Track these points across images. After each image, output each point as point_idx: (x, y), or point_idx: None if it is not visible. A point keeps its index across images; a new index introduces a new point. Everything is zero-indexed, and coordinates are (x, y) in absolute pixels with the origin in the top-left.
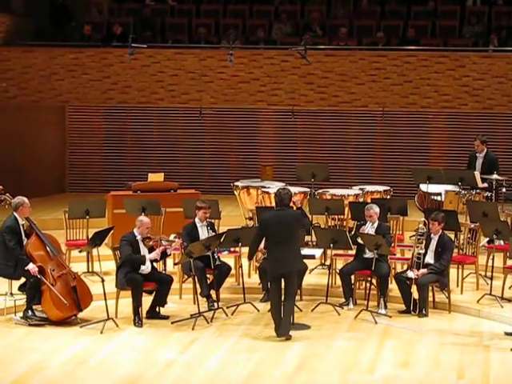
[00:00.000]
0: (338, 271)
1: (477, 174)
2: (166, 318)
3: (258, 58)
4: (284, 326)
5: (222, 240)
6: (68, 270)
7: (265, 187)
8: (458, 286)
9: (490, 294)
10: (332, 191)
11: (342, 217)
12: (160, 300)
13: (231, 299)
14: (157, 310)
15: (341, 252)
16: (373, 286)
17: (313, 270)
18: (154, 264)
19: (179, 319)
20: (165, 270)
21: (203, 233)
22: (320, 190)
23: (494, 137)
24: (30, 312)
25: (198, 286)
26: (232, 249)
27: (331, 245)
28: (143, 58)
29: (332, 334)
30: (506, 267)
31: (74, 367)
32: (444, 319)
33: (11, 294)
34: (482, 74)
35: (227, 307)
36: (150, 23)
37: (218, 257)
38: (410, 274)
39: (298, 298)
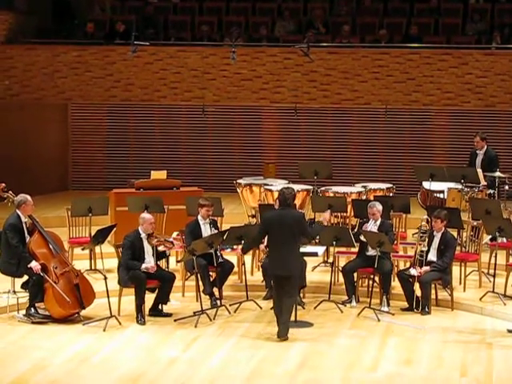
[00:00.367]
0: (340, 269)
1: (479, 171)
2: (168, 315)
3: (260, 56)
4: (282, 327)
5: (224, 238)
6: (71, 267)
7: (268, 185)
8: (460, 283)
9: (493, 292)
10: (335, 189)
11: (344, 214)
12: (163, 297)
13: (234, 297)
14: (159, 307)
15: (343, 249)
16: (375, 284)
17: (315, 267)
18: (158, 263)
19: (182, 317)
20: (167, 267)
21: (206, 230)
22: (323, 188)
23: (497, 134)
24: (32, 310)
25: (200, 283)
26: (235, 246)
27: (334, 242)
28: (146, 55)
29: (335, 331)
30: (508, 265)
31: (77, 365)
32: (447, 317)
33: (14, 292)
34: (484, 71)
35: (230, 305)
36: (152, 21)
37: (221, 254)
38: (413, 271)
39: (301, 295)
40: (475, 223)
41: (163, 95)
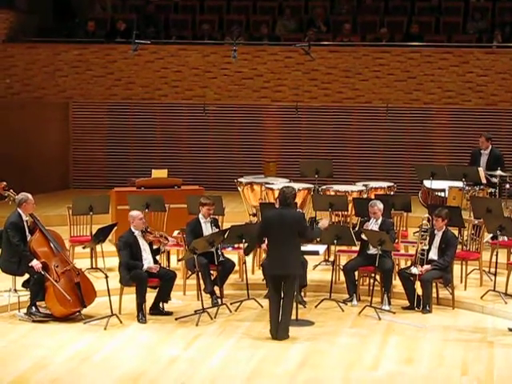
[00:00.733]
0: (341, 267)
1: (480, 170)
2: (169, 313)
3: (261, 54)
4: (283, 329)
5: (225, 236)
6: (72, 266)
7: (268, 183)
8: (461, 282)
9: (494, 290)
10: (336, 187)
11: (345, 213)
12: (163, 296)
13: (235, 295)
14: (160, 306)
15: (344, 248)
16: (376, 282)
17: (316, 266)
18: (158, 260)
19: (183, 315)
20: (168, 265)
21: (207, 229)
22: (324, 186)
23: (498, 133)
24: (33, 308)
25: (201, 282)
26: (236, 245)
27: (335, 241)
28: (147, 54)
29: (335, 330)
30: (509, 263)
31: (78, 363)
32: (448, 315)
33: (15, 291)
34: (485, 70)
35: (231, 303)
36: (153, 19)
37: (222, 253)
38: (414, 270)
39: (301, 294)
40: (476, 222)
41: (164, 94)
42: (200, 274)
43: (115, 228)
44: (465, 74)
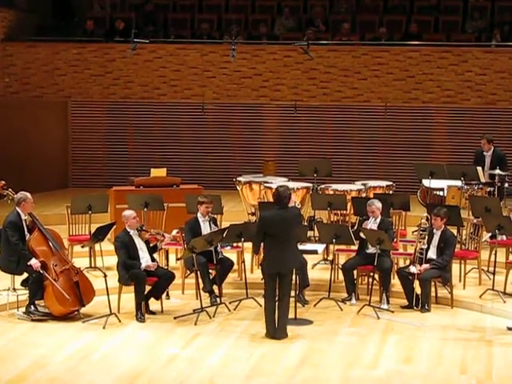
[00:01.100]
0: (340, 266)
1: (479, 169)
2: (153, 313)
3: (260, 54)
4: (281, 329)
5: (224, 235)
6: (70, 265)
7: (267, 182)
8: (460, 281)
9: (493, 289)
10: (334, 186)
11: (344, 212)
12: (156, 292)
13: (234, 294)
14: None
15: (343, 247)
16: (375, 281)
17: (315, 265)
18: (157, 259)
19: (182, 314)
20: (167, 264)
21: (205, 228)
22: (322, 185)
23: (497, 132)
24: (32, 307)
25: (200, 281)
26: (234, 244)
27: (334, 240)
28: (146, 53)
29: (334, 329)
30: (508, 262)
31: (77, 362)
32: (446, 314)
33: (14, 289)
34: (484, 69)
35: (230, 302)
36: (152, 18)
37: (221, 252)
38: (413, 269)
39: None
40: (475, 221)
41: (163, 93)
42: (199, 273)
43: (114, 227)
44: (464, 73)
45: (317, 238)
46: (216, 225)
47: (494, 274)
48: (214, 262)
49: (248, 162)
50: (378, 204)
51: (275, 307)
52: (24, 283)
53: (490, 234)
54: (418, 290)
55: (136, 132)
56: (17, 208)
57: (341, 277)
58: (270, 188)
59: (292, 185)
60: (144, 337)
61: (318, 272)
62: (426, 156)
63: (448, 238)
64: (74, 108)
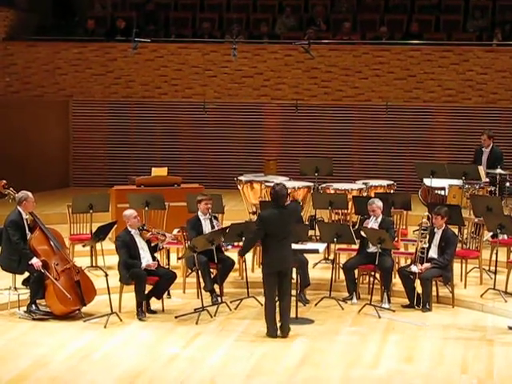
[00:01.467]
0: (341, 265)
1: (481, 168)
2: (154, 312)
3: (261, 53)
4: (285, 326)
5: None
6: (72, 264)
7: (268, 182)
8: (461, 280)
9: (494, 289)
10: (336, 185)
11: (345, 211)
12: (157, 291)
13: (235, 293)
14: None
15: (344, 246)
16: (376, 281)
17: (316, 264)
18: (158, 258)
19: (183, 313)
20: (168, 264)
21: (206, 226)
22: (324, 185)
23: (498, 131)
24: (33, 306)
25: (201, 280)
26: (236, 243)
27: (335, 239)
28: (147, 52)
29: (335, 328)
30: (509, 261)
31: (78, 361)
32: (447, 314)
33: (15, 289)
34: (485, 68)
35: (231, 301)
36: (153, 17)
37: (222, 251)
38: (414, 268)
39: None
40: (476, 220)
41: (164, 92)
42: (200, 272)
43: (115, 226)
44: (465, 72)
45: (318, 238)
46: (217, 219)
47: (495, 273)
48: (215, 261)
49: (249, 161)
50: (378, 203)
51: (275, 306)
52: (25, 282)
53: (491, 234)
54: (419, 289)
55: (137, 131)
56: (18, 207)
57: (342, 276)
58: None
59: (293, 184)
60: (145, 336)
61: (318, 271)
62: (427, 155)
63: (449, 237)
64: (75, 107)
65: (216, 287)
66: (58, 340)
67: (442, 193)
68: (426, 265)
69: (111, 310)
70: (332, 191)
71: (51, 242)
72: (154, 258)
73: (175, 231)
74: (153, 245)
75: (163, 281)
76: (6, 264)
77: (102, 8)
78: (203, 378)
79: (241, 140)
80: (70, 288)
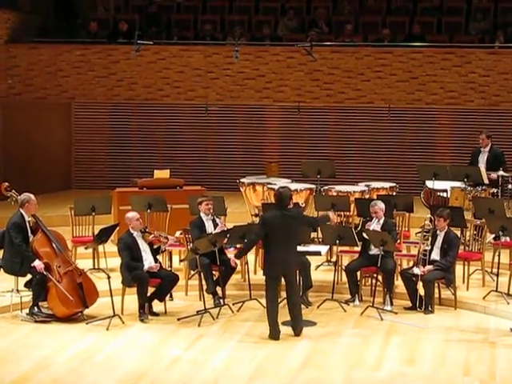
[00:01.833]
0: (343, 268)
1: (483, 170)
2: (156, 314)
3: (263, 55)
4: (297, 325)
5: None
6: (74, 266)
7: (271, 184)
8: (463, 282)
9: (496, 291)
10: (338, 188)
11: (347, 213)
12: (159, 294)
13: (237, 296)
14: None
15: (347, 248)
16: (379, 283)
17: (319, 266)
18: (160, 261)
19: (185, 316)
20: (170, 266)
21: (209, 226)
22: (326, 187)
23: (500, 133)
24: (36, 309)
25: (203, 282)
26: (238, 245)
27: (337, 241)
28: (149, 54)
29: (338, 330)
30: None
31: (80, 363)
32: (450, 316)
33: (17, 291)
34: (487, 70)
35: (233, 304)
36: (155, 20)
37: (225, 253)
38: (416, 270)
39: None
40: (478, 222)
41: (166, 94)
42: (202, 274)
43: (117, 228)
44: (467, 74)
45: (320, 240)
46: (219, 218)
47: (497, 275)
48: (218, 263)
49: (251, 164)
50: (381, 205)
51: (277, 309)
52: (27, 285)
53: (493, 236)
54: (421, 291)
55: (139, 133)
56: (20, 209)
57: (344, 278)
58: (274, 189)
59: (295, 186)
60: (147, 338)
61: (321, 273)
62: (430, 157)
63: (451, 239)
64: (78, 109)
65: (218, 289)
66: (60, 342)
67: (445, 195)
68: (429, 267)
69: (113, 312)
70: (334, 193)
71: (53, 245)
72: (156, 261)
73: (177, 233)
74: (155, 247)
75: (165, 283)
76: (9, 266)
77: (104, 10)
78: (206, 380)
79: (243, 142)
80: (72, 290)
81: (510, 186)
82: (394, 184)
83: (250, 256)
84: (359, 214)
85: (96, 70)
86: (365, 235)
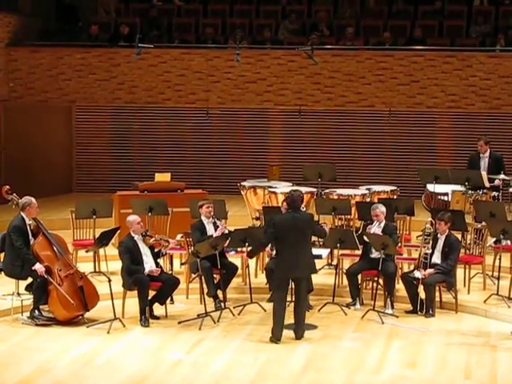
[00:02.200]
0: (344, 271)
1: (484, 174)
2: (157, 318)
3: (264, 58)
4: (301, 329)
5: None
6: (75, 269)
7: (272, 187)
8: (464, 286)
9: (497, 294)
10: (339, 191)
11: (348, 217)
12: (160, 297)
13: (238, 299)
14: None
15: (348, 252)
16: (379, 286)
17: (320, 269)
18: (161, 264)
19: (186, 319)
20: (171, 269)
21: (210, 229)
22: (327, 190)
23: (501, 137)
24: (36, 312)
25: (204, 285)
26: (239, 249)
27: (338, 245)
28: (150, 57)
29: (339, 334)
30: None
31: (81, 367)
32: (451, 319)
33: (18, 294)
34: (488, 73)
35: (234, 307)
36: (156, 23)
37: (226, 256)
38: (417, 274)
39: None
40: (479, 225)
41: (167, 97)
42: (203, 277)
43: (118, 232)
44: (468, 77)
45: (321, 243)
46: (220, 221)
47: (498, 278)
48: (219, 266)
49: (252, 167)
50: (382, 208)
51: (284, 310)
52: (28, 288)
53: (494, 239)
54: (422, 294)
55: (140, 137)
56: (21, 213)
57: (345, 281)
58: (274, 193)
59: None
60: (148, 341)
61: (322, 277)
62: (431, 160)
63: (452, 242)
64: (79, 113)
65: (219, 293)
66: (61, 345)
67: (446, 198)
68: (430, 270)
69: (114, 315)
70: (335, 197)
71: (54, 248)
72: (157, 264)
73: (178, 237)
74: (156, 250)
75: (166, 286)
76: (10, 270)
77: (105, 13)
78: (207, 383)
79: (244, 145)
80: (73, 293)
81: (510, 190)
82: (395, 187)
83: (251, 260)
84: (360, 217)
85: (97, 74)
86: (366, 238)
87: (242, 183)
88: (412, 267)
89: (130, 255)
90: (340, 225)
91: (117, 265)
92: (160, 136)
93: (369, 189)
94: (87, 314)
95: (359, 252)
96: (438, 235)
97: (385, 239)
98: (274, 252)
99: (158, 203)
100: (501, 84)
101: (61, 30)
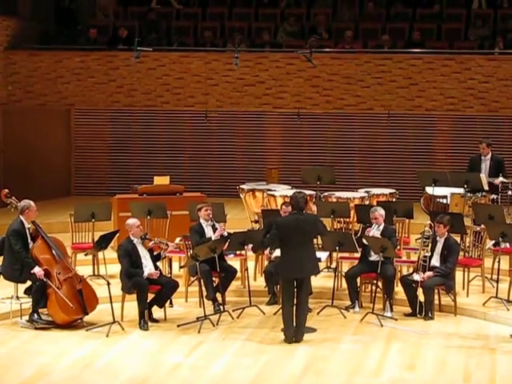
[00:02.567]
0: (343, 274)
1: (483, 176)
2: (156, 321)
3: (263, 61)
4: (300, 332)
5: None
6: (74, 273)
7: (270, 190)
8: (463, 288)
9: (496, 297)
10: (338, 194)
11: (347, 220)
12: (159, 300)
13: (237, 302)
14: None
15: (347, 255)
16: (378, 289)
17: (319, 272)
18: (160, 267)
19: (185, 322)
20: (170, 272)
21: (209, 232)
22: (326, 193)
23: (500, 139)
24: (35, 315)
25: (203, 288)
26: (238, 252)
27: (337, 247)
28: (149, 61)
29: (338, 336)
30: (511, 270)
31: (80, 370)
32: (450, 322)
33: (17, 298)
34: (487, 76)
35: (233, 310)
36: (155, 26)
37: (225, 259)
38: (416, 276)
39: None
40: (478, 228)
41: (166, 101)
42: (202, 280)
43: (117, 235)
44: (466, 80)
45: (320, 246)
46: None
47: (497, 281)
48: (218, 269)
49: (251, 170)
50: (381, 211)
51: (293, 312)
52: (27, 291)
53: (493, 242)
54: (421, 297)
55: (139, 140)
56: (20, 216)
57: (344, 284)
58: (273, 196)
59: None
60: (147, 345)
61: (321, 280)
62: (429, 163)
63: (451, 245)
64: (78, 116)
65: (218, 296)
66: (60, 349)
67: (444, 201)
68: (429, 273)
69: (113, 318)
70: (334, 200)
71: (53, 251)
72: (156, 267)
73: (177, 240)
74: (155, 254)
75: (165, 290)
76: (8, 273)
77: (104, 17)
78: None
79: (243, 149)
80: (72, 297)
81: (509, 192)
82: (394, 190)
83: (250, 262)
84: (359, 220)
85: (96, 77)
86: (365, 241)
87: (241, 186)
88: (411, 270)
89: (129, 258)
90: (339, 228)
91: (116, 268)
92: (159, 139)
93: (368, 191)
94: (86, 318)
95: (358, 255)
96: (437, 238)
97: (384, 242)
98: (273, 255)
99: (157, 206)
100: (499, 87)
101: (60, 34)
